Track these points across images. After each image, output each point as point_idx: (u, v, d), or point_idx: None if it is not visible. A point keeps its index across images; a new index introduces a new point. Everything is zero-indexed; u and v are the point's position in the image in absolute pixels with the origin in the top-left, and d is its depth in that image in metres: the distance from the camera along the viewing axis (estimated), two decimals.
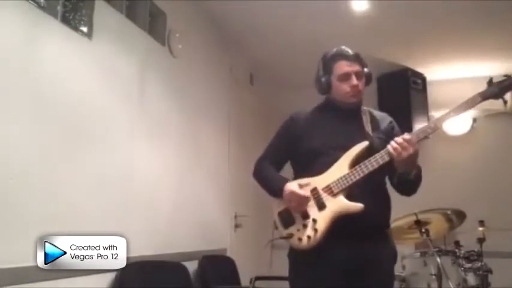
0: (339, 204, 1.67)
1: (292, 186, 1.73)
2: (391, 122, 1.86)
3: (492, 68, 4.38)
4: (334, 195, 1.68)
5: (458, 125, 4.56)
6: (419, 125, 4.39)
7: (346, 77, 1.78)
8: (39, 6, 1.93)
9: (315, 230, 1.67)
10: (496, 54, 4.16)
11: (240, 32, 3.84)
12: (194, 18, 3.38)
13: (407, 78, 4.48)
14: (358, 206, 1.64)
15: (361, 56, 1.83)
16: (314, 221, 1.68)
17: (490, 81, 1.69)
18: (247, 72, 4.42)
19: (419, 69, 4.55)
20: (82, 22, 2.19)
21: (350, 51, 1.81)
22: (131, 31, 2.61)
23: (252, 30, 3.82)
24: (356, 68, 1.79)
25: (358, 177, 1.66)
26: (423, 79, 4.59)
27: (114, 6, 2.45)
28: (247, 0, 3.35)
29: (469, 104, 1.67)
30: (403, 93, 4.45)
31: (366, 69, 1.82)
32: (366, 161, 1.67)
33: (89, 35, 2.23)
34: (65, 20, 2.09)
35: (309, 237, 1.67)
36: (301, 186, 1.72)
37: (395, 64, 4.44)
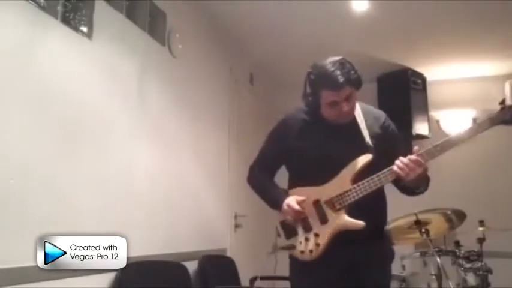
0: (341, 220, 1.69)
1: (291, 202, 1.73)
2: (384, 122, 1.82)
3: (492, 68, 4.39)
4: (336, 210, 1.69)
5: (458, 125, 4.56)
6: (419, 125, 4.41)
7: (334, 104, 1.69)
8: (39, 6, 1.93)
9: (317, 245, 1.70)
10: (496, 54, 4.16)
11: (240, 32, 3.84)
12: (194, 18, 3.37)
13: (407, 78, 4.48)
14: (359, 224, 1.66)
15: (349, 72, 1.65)
16: (316, 235, 1.71)
17: (503, 103, 1.64)
18: (247, 72, 4.42)
19: (419, 69, 4.55)
20: (82, 22, 2.18)
21: (338, 77, 1.62)
22: (131, 31, 2.61)
23: (252, 30, 3.82)
24: (345, 94, 1.66)
25: (360, 195, 1.67)
26: (423, 79, 4.59)
27: (114, 6, 2.44)
28: (248, 1, 3.35)
29: (478, 129, 1.65)
30: (403, 93, 4.45)
31: (356, 76, 1.68)
32: (369, 179, 1.66)
33: (89, 35, 2.23)
34: (65, 20, 2.09)
35: (311, 251, 1.71)
36: (300, 202, 1.72)
37: (395, 64, 4.44)
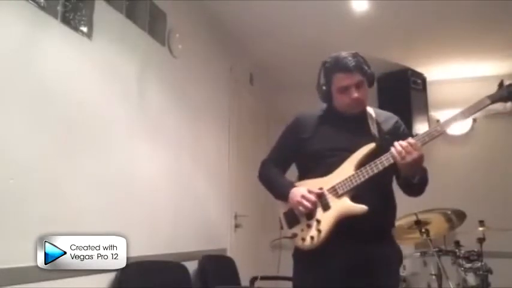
0: (343, 205, 1.67)
1: (301, 190, 1.73)
2: (397, 122, 1.85)
3: (492, 67, 4.39)
4: (338, 196, 1.68)
5: (458, 125, 4.55)
6: (419, 125, 4.41)
7: (345, 89, 1.74)
8: (39, 6, 1.93)
9: (319, 231, 1.67)
10: (496, 54, 4.16)
11: (240, 32, 3.84)
12: (194, 18, 3.38)
13: (407, 78, 4.47)
14: (362, 207, 1.63)
15: (361, 62, 1.75)
16: (318, 221, 1.69)
17: (501, 84, 1.65)
18: (247, 72, 4.42)
19: (419, 69, 4.55)
20: (82, 22, 2.18)
21: (349, 62, 1.72)
22: (131, 31, 2.61)
23: (252, 30, 3.82)
24: (356, 79, 1.73)
25: (362, 179, 1.66)
26: (423, 79, 4.59)
27: (114, 6, 2.44)
28: (248, 0, 3.35)
29: (477, 107, 1.65)
30: (403, 93, 4.45)
31: (368, 71, 1.77)
32: (371, 163, 1.66)
33: (89, 35, 2.23)
34: (65, 20, 2.09)
35: (312, 237, 1.68)
36: (310, 192, 1.72)
37: (395, 64, 4.44)
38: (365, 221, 1.63)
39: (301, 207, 1.70)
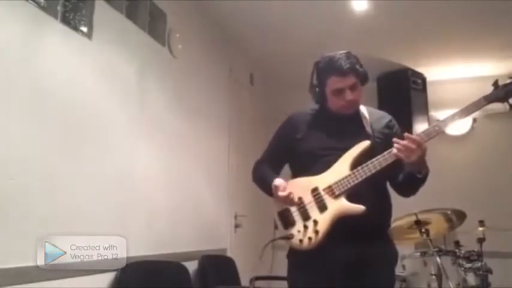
0: (341, 206, 1.66)
1: (276, 182, 1.74)
2: (390, 121, 1.84)
3: (492, 68, 4.38)
4: (335, 196, 1.67)
5: (458, 125, 4.54)
6: (419, 125, 4.41)
7: (339, 92, 1.73)
8: (39, 6, 1.93)
9: (316, 232, 1.66)
10: (496, 54, 4.16)
11: (240, 32, 3.84)
12: (194, 18, 3.38)
13: (407, 78, 4.48)
14: (360, 208, 1.62)
15: (354, 63, 1.72)
16: (315, 222, 1.67)
17: (495, 83, 1.64)
18: (247, 72, 4.42)
19: (419, 69, 4.55)
20: (82, 22, 2.19)
21: (343, 64, 1.70)
22: (131, 31, 2.61)
23: (252, 30, 3.82)
24: (350, 81, 1.71)
25: (360, 179, 1.65)
26: (423, 79, 4.59)
27: (114, 6, 2.45)
28: (247, 1, 3.35)
29: (474, 107, 1.63)
30: (403, 93, 4.45)
31: (361, 70, 1.74)
32: (368, 163, 1.65)
33: (89, 35, 2.23)
34: (65, 20, 2.09)
35: (310, 238, 1.67)
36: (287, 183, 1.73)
37: (395, 64, 4.44)
38: (361, 220, 1.62)
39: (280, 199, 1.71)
